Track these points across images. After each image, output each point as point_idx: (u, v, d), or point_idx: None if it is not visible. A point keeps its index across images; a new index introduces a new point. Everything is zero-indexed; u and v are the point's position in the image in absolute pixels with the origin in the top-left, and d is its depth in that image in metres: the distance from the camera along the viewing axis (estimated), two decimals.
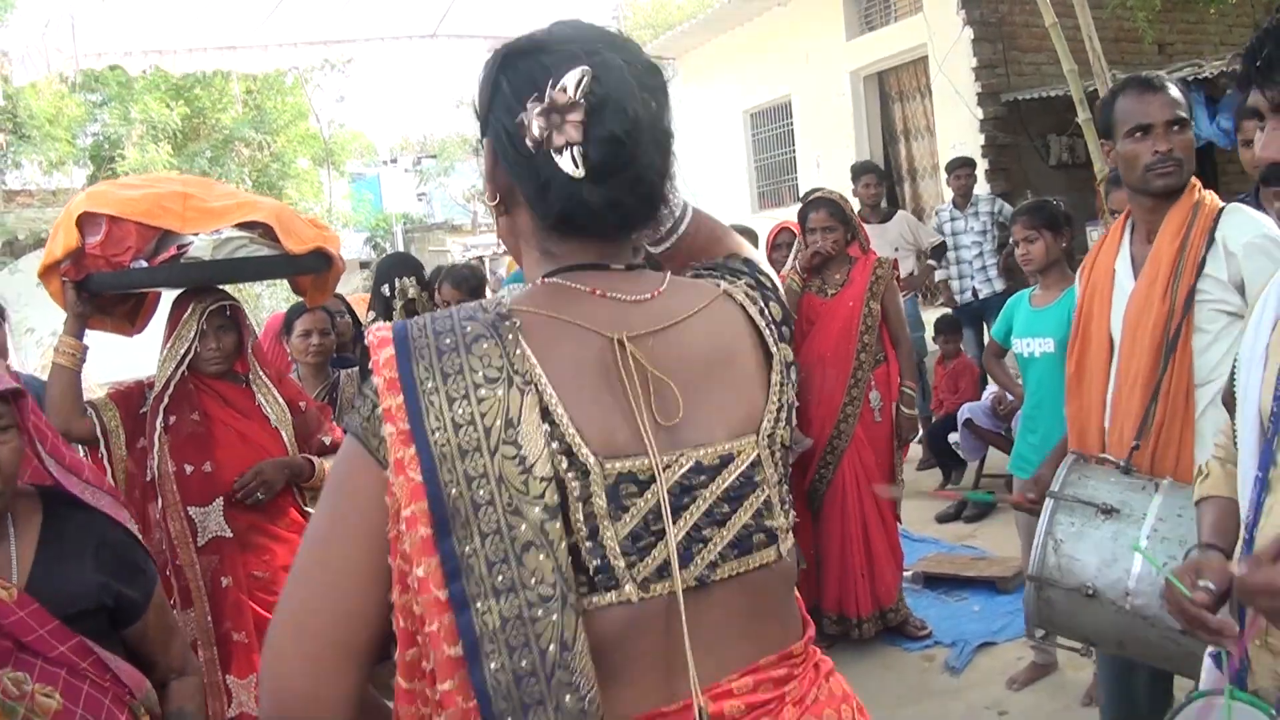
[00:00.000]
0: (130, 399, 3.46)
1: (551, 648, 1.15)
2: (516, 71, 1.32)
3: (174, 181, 3.65)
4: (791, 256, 5.39)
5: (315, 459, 3.55)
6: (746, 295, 1.43)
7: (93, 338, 3.46)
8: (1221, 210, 2.83)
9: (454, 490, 1.16)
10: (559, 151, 1.25)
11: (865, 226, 7.81)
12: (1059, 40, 6.85)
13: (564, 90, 1.25)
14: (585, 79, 1.26)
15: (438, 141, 31.23)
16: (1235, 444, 1.94)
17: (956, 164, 8.32)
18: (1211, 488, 2.08)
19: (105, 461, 3.38)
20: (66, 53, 8.98)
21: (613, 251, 1.38)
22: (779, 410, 1.38)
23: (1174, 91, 2.82)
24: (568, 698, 1.15)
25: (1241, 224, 2.78)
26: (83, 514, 2.24)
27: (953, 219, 8.23)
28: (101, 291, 3.38)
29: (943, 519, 6.92)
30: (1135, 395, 2.82)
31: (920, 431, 5.43)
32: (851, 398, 5.02)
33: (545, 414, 1.21)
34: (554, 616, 1.15)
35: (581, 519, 1.21)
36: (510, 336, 1.24)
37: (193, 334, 3.39)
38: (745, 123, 13.55)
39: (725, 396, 1.34)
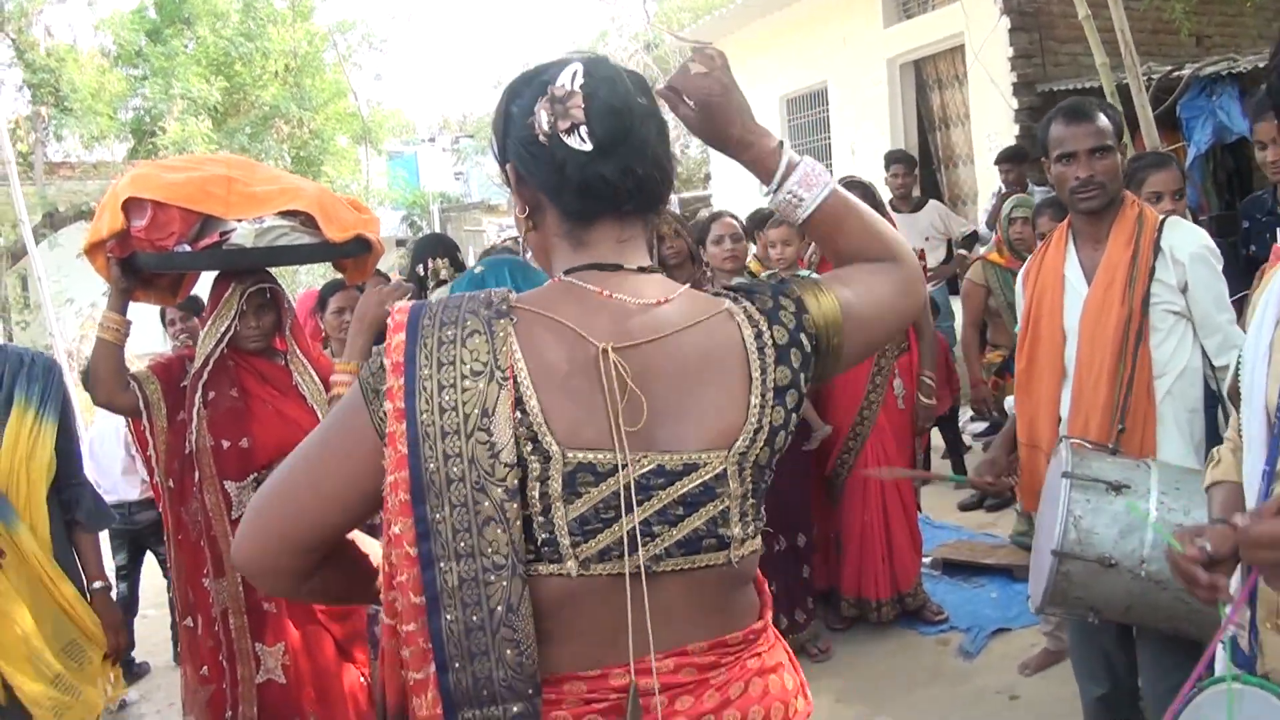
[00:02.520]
0: (171, 371, 3.57)
1: (499, 608, 1.34)
2: (522, 96, 1.53)
3: (218, 164, 3.72)
4: (811, 247, 5.45)
5: None
6: (747, 317, 1.52)
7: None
8: (1163, 222, 3.16)
9: (432, 465, 1.35)
10: (568, 134, 1.45)
11: (896, 216, 7.88)
12: (1092, 33, 6.87)
13: (562, 86, 1.47)
14: (578, 72, 1.48)
15: (475, 121, 31.30)
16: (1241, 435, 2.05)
17: (1005, 156, 8.24)
18: (1223, 473, 2.20)
19: (147, 433, 3.52)
20: None
21: (631, 240, 1.54)
22: (757, 432, 1.47)
23: (1101, 120, 3.13)
24: (509, 651, 1.34)
25: (1186, 235, 3.15)
26: None
27: None
28: (145, 270, 3.50)
29: (964, 507, 6.98)
30: (1101, 388, 3.12)
31: (934, 420, 5.48)
32: (875, 385, 5.10)
33: (519, 403, 1.38)
34: (504, 582, 1.34)
35: (537, 497, 1.38)
36: (501, 334, 1.41)
37: (233, 313, 3.50)
38: (781, 108, 13.55)
39: (704, 410, 1.46)
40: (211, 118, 19.63)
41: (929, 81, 11.54)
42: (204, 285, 3.74)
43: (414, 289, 3.15)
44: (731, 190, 14.42)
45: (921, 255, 5.48)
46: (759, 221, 6.22)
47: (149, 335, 6.17)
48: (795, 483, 4.97)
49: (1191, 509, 2.65)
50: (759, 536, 1.53)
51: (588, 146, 1.45)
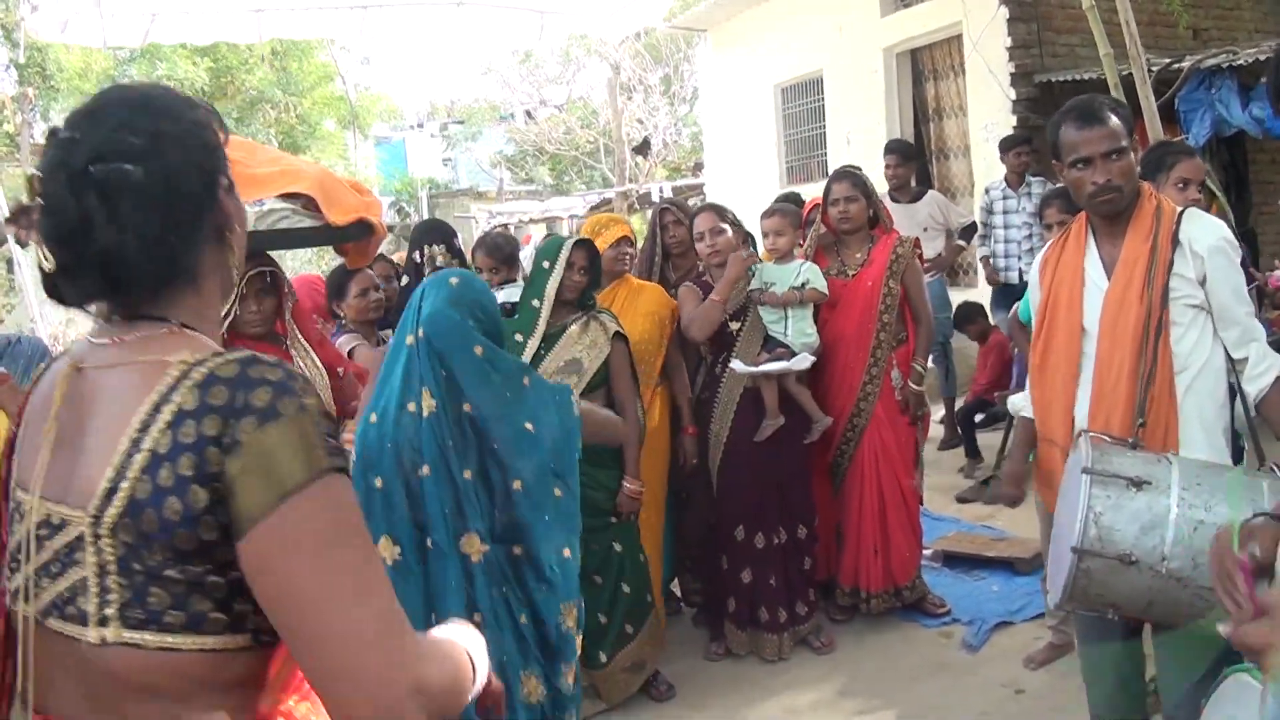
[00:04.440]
0: None
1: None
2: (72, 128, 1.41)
3: None
4: (806, 239, 5.40)
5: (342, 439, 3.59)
6: (181, 374, 1.32)
7: None
8: (1181, 214, 3.11)
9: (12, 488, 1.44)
10: (39, 246, 1.37)
11: (894, 206, 7.81)
12: (1096, 23, 6.80)
13: (23, 196, 1.40)
14: (35, 181, 1.36)
15: (464, 107, 31.22)
16: None
17: (1014, 142, 8.12)
18: None
19: None
20: (108, 23, 9.02)
21: (126, 306, 1.44)
22: (111, 494, 1.29)
23: (1113, 121, 3.06)
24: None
25: (1204, 227, 3.09)
26: None
27: (1004, 198, 7.98)
28: None
29: (963, 499, 6.97)
30: (1122, 385, 3.07)
31: (927, 407, 5.44)
32: (871, 377, 5.05)
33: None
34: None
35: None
36: (34, 378, 1.52)
37: (233, 297, 3.44)
38: (776, 97, 13.49)
39: (83, 462, 1.34)
40: None
41: (925, 71, 11.50)
42: None
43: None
44: (724, 178, 14.37)
45: (917, 244, 5.38)
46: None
47: None
48: (796, 475, 4.95)
49: (1212, 504, 2.62)
50: (168, 634, 1.30)
51: (49, 266, 1.37)
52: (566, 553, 2.71)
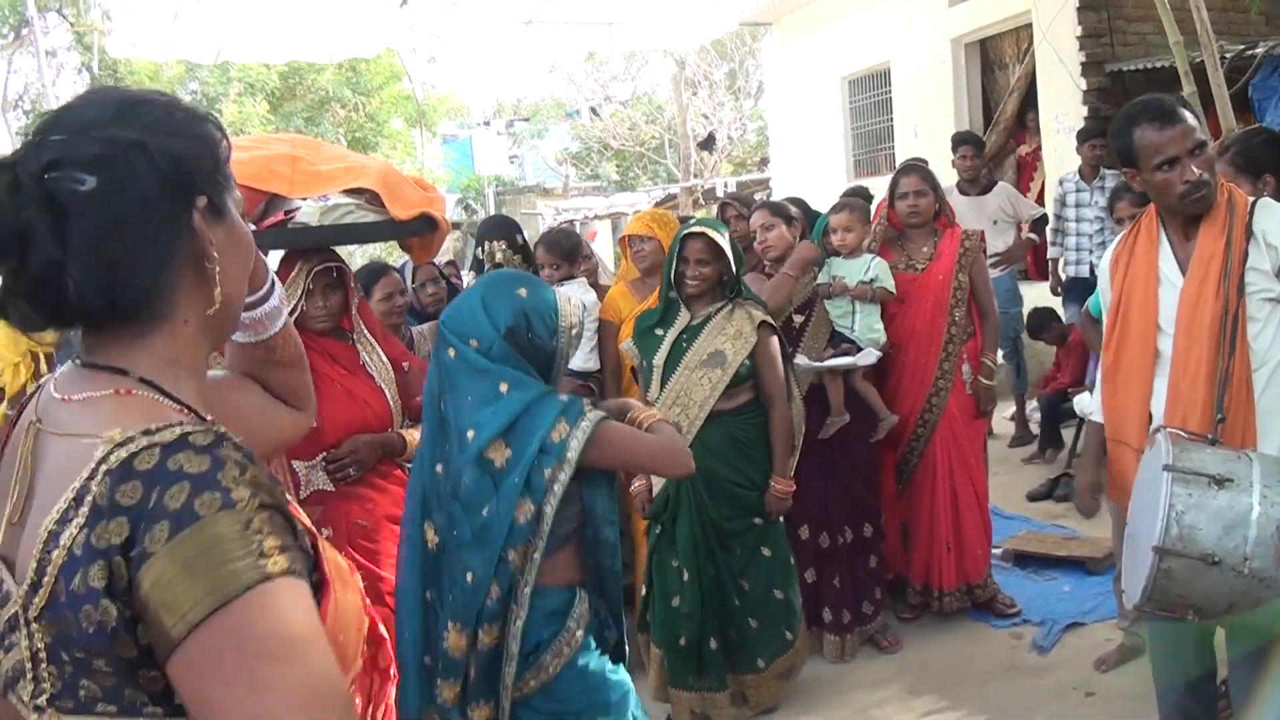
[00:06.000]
0: None
1: None
2: None
3: (283, 142, 3.68)
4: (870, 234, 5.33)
5: (406, 434, 3.60)
6: (102, 465, 1.14)
7: None
8: (1253, 205, 3.03)
9: None
10: None
11: (963, 199, 7.70)
12: (1165, 10, 6.66)
13: None
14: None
15: (530, 105, 31.37)
16: None
17: (1089, 134, 8.01)
18: None
19: None
20: (182, 41, 9.24)
21: (90, 344, 1.30)
22: (35, 587, 1.14)
23: (1189, 116, 3.00)
24: None
25: (1278, 218, 3.01)
26: None
27: (1078, 190, 7.87)
28: None
29: (1033, 497, 6.86)
30: (1199, 384, 3.00)
31: (995, 403, 5.33)
32: (943, 371, 4.99)
33: None
34: None
35: None
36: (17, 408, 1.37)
37: (300, 292, 3.46)
38: (843, 89, 13.37)
39: (25, 536, 1.19)
40: (269, 101, 19.82)
41: (994, 62, 11.33)
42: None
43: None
44: (791, 172, 14.29)
45: (983, 237, 5.26)
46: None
47: None
48: (861, 473, 4.90)
49: None
50: None
51: None
52: (469, 577, 2.64)
